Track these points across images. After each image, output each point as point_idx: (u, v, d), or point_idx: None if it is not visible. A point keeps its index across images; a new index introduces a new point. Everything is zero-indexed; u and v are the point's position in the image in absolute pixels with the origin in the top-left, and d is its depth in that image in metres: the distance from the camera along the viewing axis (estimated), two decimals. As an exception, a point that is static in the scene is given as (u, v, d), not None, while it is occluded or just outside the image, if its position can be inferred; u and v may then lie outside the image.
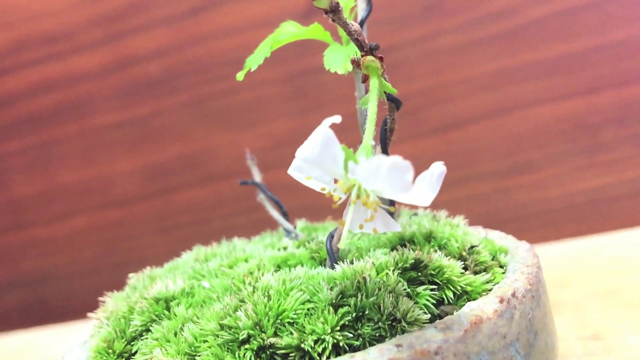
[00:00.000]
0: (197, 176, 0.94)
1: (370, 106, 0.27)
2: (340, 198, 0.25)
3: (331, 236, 0.32)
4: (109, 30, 0.93)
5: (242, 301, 0.29)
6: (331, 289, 0.28)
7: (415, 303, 0.29)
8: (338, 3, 0.27)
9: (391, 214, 0.28)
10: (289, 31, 0.33)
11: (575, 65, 0.83)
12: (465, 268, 0.32)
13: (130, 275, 0.40)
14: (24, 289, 1.01)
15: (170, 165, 0.95)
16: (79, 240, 0.99)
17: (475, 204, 0.87)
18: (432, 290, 0.30)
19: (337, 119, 0.25)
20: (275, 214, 0.41)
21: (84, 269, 0.99)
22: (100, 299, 0.39)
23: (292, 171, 0.27)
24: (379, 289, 0.28)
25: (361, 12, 0.35)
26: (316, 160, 0.24)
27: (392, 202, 0.33)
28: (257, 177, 0.43)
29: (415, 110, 0.87)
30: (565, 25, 0.82)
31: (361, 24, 0.35)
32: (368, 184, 0.23)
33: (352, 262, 0.31)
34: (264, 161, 0.92)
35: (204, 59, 0.92)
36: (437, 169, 0.25)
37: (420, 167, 0.79)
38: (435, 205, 0.88)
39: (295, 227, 0.39)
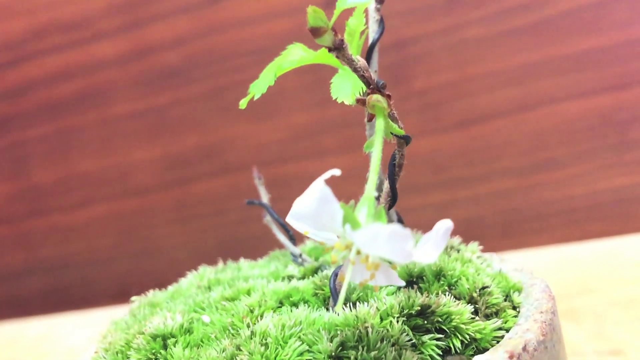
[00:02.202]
0: (214, 167, 0.94)
1: (375, 151, 0.25)
2: (339, 255, 0.24)
3: (335, 274, 0.31)
4: (128, 18, 0.92)
5: (239, 348, 0.28)
6: (331, 339, 0.27)
7: (420, 354, 0.27)
8: (342, 40, 0.25)
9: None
10: (295, 58, 0.31)
11: (605, 60, 0.80)
12: (476, 311, 0.31)
13: (133, 298, 0.39)
14: (43, 276, 1.02)
15: (188, 155, 0.94)
16: (97, 228, 0.99)
17: (497, 200, 0.85)
18: (438, 339, 0.28)
19: (335, 172, 0.23)
20: (281, 237, 0.40)
21: (102, 257, 1.00)
22: (107, 327, 0.38)
23: (290, 219, 0.25)
24: (382, 340, 0.27)
25: (372, 34, 0.34)
26: (312, 216, 0.23)
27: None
28: (264, 197, 0.42)
29: (437, 104, 0.85)
30: (595, 19, 0.79)
31: (372, 47, 0.34)
32: (366, 249, 0.22)
33: (355, 304, 0.30)
34: (282, 153, 0.92)
35: (223, 48, 0.90)
36: (443, 227, 0.23)
37: (442, 162, 0.78)
38: (458, 201, 0.86)
39: (301, 254, 0.38)
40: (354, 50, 0.32)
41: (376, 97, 0.26)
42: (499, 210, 0.86)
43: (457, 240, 0.39)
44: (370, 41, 0.34)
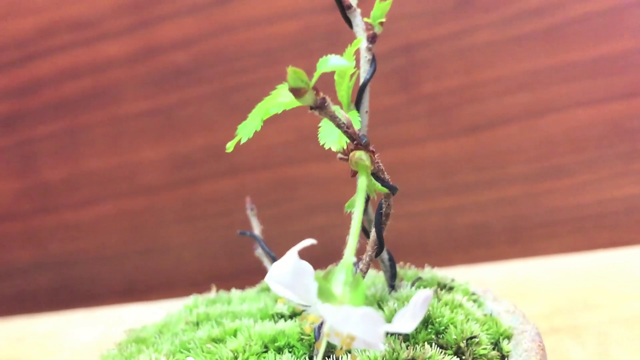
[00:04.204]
0: (222, 167, 0.93)
1: (356, 213, 0.25)
2: (313, 329, 0.23)
3: (320, 325, 0.30)
4: (136, 18, 0.92)
5: (219, 402, 0.28)
6: (311, 396, 0.27)
7: (401, 411, 0.27)
8: (324, 98, 0.25)
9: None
10: (283, 100, 0.30)
11: (616, 67, 0.78)
12: (462, 363, 0.30)
13: (125, 330, 0.39)
14: (51, 272, 1.02)
15: (196, 155, 0.94)
16: (105, 225, 0.99)
17: (504, 207, 0.85)
18: (421, 396, 0.28)
19: (310, 241, 0.23)
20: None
21: (109, 254, 1.00)
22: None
23: (268, 281, 0.25)
24: (362, 399, 0.26)
25: (364, 74, 0.33)
26: (288, 286, 0.23)
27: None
28: (257, 229, 0.42)
29: (445, 109, 0.84)
30: (607, 25, 0.77)
31: (363, 87, 0.33)
32: (338, 329, 0.21)
33: (338, 357, 0.29)
34: (289, 155, 0.91)
35: (231, 49, 0.90)
36: (421, 297, 0.23)
37: (449, 167, 0.77)
38: (464, 207, 0.85)
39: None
40: (344, 92, 0.32)
41: (359, 155, 0.26)
42: (506, 216, 0.85)
43: (449, 278, 0.38)
44: (361, 81, 0.33)
